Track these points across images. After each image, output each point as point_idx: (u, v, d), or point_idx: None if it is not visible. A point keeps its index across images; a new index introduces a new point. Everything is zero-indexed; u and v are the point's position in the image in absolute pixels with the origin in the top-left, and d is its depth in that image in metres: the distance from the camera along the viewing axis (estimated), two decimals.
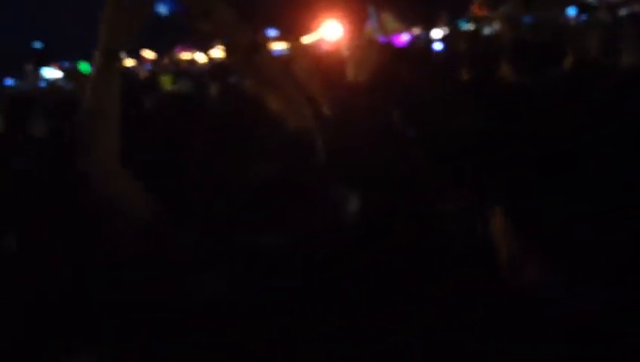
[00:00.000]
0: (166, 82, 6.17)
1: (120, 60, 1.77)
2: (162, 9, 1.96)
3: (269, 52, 1.81)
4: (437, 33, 14.03)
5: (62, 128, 4.02)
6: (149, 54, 17.65)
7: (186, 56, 19.37)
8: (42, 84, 11.23)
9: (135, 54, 18.32)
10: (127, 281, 1.54)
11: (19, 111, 4.90)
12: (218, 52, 12.88)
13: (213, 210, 1.88)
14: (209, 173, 2.10)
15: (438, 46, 7.85)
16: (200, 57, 19.54)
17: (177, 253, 1.63)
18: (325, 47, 13.18)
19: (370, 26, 14.60)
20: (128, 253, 1.60)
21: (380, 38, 11.95)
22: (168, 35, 17.33)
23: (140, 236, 1.64)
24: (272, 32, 17.55)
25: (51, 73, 15.14)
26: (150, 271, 1.55)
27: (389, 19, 13.93)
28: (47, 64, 16.92)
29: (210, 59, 15.73)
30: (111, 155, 1.71)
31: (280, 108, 1.73)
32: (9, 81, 15.30)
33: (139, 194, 1.74)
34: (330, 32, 16.74)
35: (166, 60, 18.40)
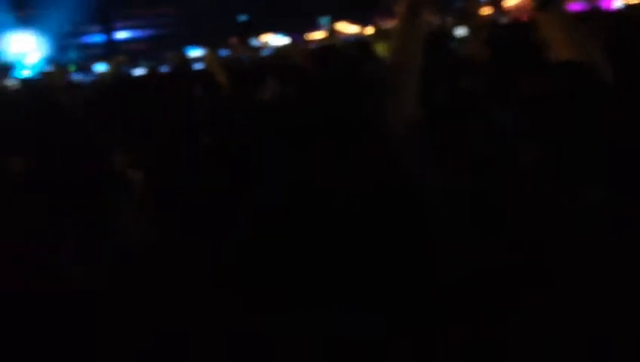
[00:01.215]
0: (381, 50, 6.31)
1: (422, 14, 1.91)
2: None
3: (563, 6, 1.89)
4: None
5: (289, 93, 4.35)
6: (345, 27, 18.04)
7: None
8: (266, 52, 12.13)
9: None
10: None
11: (247, 78, 5.35)
12: None
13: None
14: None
15: None
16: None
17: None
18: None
19: None
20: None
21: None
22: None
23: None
24: None
25: (278, 41, 16.34)
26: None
27: None
28: (251, 36, 18.14)
29: None
30: (412, 103, 1.91)
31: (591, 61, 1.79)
32: (223, 52, 16.79)
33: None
34: None
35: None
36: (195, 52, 17.29)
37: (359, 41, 11.60)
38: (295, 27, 19.05)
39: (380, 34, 7.28)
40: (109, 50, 25.32)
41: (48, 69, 11.68)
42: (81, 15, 25.94)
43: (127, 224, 2.46)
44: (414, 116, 1.87)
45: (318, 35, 17.48)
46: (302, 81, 4.64)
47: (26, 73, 17.08)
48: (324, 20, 16.87)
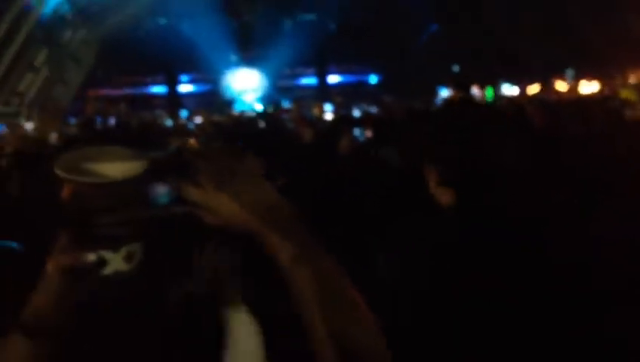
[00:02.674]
0: (629, 96, 5.91)
1: None
2: None
3: None
4: None
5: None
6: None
7: None
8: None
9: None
10: None
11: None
12: None
13: None
14: None
15: None
16: None
17: None
18: None
19: None
20: None
21: None
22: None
23: None
24: None
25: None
26: None
27: None
28: (468, 87, 18.11)
29: None
30: None
31: None
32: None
33: None
34: None
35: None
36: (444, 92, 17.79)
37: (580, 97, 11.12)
38: (512, 78, 18.69)
39: (627, 85, 6.90)
40: (322, 92, 26.71)
41: (288, 105, 12.76)
42: (297, 58, 27.73)
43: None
44: None
45: (535, 88, 16.91)
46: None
47: (258, 107, 18.49)
48: (569, 73, 16.18)
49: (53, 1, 18.32)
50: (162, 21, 25.30)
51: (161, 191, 0.99)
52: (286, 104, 16.30)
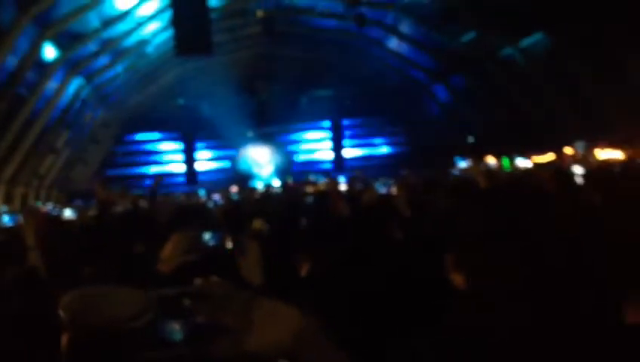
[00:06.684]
0: None
1: None
2: None
3: None
4: None
5: None
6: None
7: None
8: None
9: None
10: None
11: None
12: None
13: None
14: None
15: None
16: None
17: None
18: None
19: None
20: None
21: None
22: None
23: None
24: None
25: (521, 163, 16.22)
26: None
27: None
28: (482, 156, 18.16)
29: None
30: None
31: None
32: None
33: None
34: None
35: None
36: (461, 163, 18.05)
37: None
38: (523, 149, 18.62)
39: None
40: (338, 168, 26.96)
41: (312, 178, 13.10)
42: (312, 133, 28.11)
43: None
44: None
45: (548, 157, 16.94)
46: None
47: (275, 182, 18.74)
48: (579, 145, 16.19)
49: (73, 85, 18.74)
50: (180, 101, 25.84)
51: (170, 329, 0.97)
52: (316, 178, 16.36)
